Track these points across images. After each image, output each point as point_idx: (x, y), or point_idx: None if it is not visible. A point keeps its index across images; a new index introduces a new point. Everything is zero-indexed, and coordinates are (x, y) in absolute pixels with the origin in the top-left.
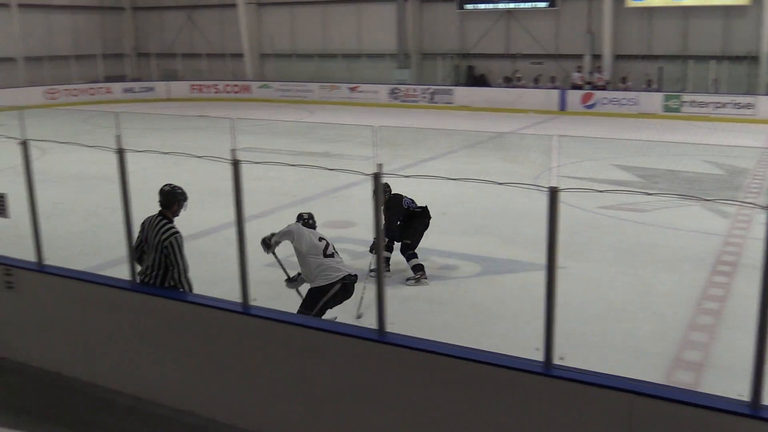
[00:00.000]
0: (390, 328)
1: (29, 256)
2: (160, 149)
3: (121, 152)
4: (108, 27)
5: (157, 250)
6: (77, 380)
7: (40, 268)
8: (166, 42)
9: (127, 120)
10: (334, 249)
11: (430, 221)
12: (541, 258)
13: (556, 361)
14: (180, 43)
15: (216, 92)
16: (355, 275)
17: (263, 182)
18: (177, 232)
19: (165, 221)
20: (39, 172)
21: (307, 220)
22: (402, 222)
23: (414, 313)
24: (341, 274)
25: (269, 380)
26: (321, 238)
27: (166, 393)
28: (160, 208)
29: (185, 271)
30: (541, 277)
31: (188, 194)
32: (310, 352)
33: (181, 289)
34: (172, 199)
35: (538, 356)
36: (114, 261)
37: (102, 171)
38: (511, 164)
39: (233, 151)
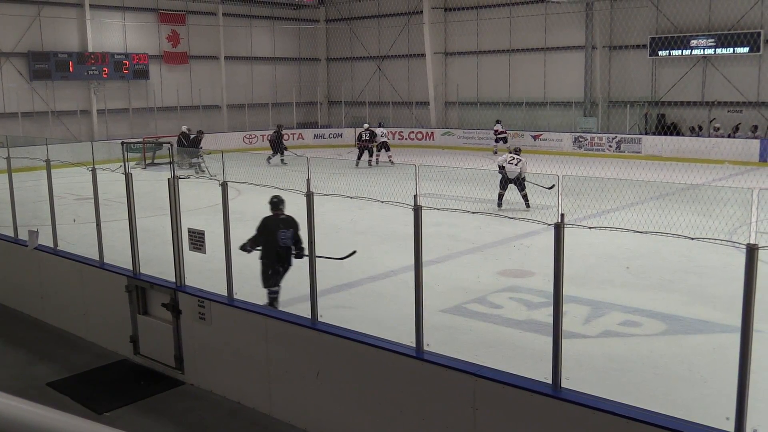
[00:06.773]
0: (565, 383)
1: (220, 289)
2: (346, 193)
3: (309, 195)
4: (304, 77)
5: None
6: (255, 411)
7: (229, 301)
8: (355, 90)
9: (317, 164)
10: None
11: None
12: (735, 319)
13: None
14: (368, 92)
15: (401, 139)
16: None
17: (442, 228)
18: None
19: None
20: (234, 212)
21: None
22: None
23: (591, 370)
24: None
25: (439, 427)
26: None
27: (337, 430)
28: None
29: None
30: (734, 339)
31: (371, 236)
32: (481, 401)
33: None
34: None
35: (729, 426)
36: (297, 299)
37: (292, 212)
38: (704, 218)
39: (415, 197)
